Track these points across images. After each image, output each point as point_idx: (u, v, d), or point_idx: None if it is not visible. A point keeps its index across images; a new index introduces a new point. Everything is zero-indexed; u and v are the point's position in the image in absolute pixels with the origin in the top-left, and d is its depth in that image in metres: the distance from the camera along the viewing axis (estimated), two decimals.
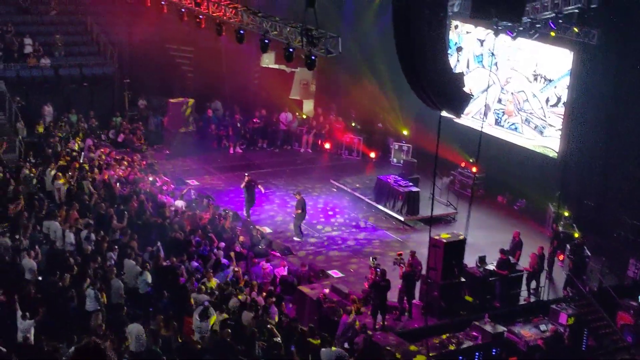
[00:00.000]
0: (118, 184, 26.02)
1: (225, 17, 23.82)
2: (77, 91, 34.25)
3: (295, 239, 25.93)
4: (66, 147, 28.99)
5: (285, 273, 22.56)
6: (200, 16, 24.75)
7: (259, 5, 28.22)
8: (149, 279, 19.69)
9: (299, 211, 25.93)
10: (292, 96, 37.73)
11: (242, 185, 27.11)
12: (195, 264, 21.52)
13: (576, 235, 25.14)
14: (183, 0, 25.30)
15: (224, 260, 21.98)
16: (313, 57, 20.19)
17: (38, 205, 23.37)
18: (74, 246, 21.16)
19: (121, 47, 35.35)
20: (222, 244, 23.00)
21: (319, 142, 35.48)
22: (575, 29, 25.32)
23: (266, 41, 22.25)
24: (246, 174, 27.39)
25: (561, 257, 24.84)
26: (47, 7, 36.22)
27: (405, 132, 34.44)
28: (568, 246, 24.47)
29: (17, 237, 21.03)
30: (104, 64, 35.56)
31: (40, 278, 19.39)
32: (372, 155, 34.67)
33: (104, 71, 35.34)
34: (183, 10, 25.52)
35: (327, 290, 21.32)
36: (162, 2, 26.38)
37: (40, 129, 31.06)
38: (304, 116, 37.08)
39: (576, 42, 26.30)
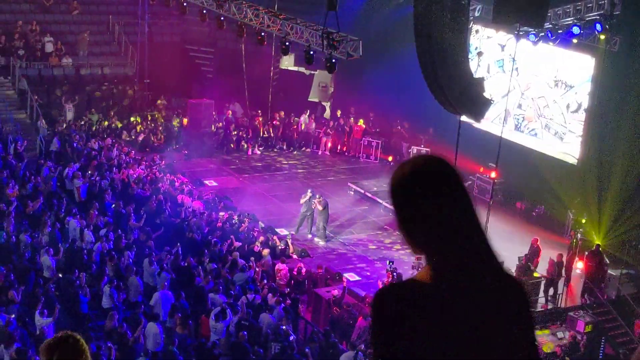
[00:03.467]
0: (137, 183, 26.13)
1: (246, 19, 23.90)
2: (97, 90, 34.43)
3: (320, 243, 25.89)
4: (86, 146, 29.15)
5: (303, 273, 22.56)
6: (222, 18, 24.84)
7: (280, 7, 28.26)
8: (167, 277, 19.77)
9: (322, 209, 25.84)
10: (311, 98, 37.76)
11: (303, 201, 26.56)
12: (213, 265, 21.57)
13: (595, 242, 25.01)
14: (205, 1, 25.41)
15: (240, 261, 22.01)
16: (334, 60, 20.23)
17: (57, 203, 23.52)
18: (92, 244, 21.28)
19: (142, 47, 35.50)
20: (238, 244, 23.02)
21: (337, 144, 35.48)
22: (602, 36, 25.12)
23: (287, 43, 22.31)
24: (309, 190, 27.02)
25: (579, 264, 24.71)
26: (69, 6, 36.44)
27: (422, 136, 34.37)
28: (586, 253, 24.36)
29: (36, 235, 21.18)
30: (124, 64, 35.74)
31: (60, 275, 19.51)
32: (390, 158, 34.62)
33: (124, 71, 35.52)
34: (205, 11, 25.63)
35: (336, 292, 21.24)
36: (184, 3, 26.48)
37: (61, 128, 31.22)
38: (323, 118, 37.10)
39: (598, 48, 26.17)
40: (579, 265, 24.73)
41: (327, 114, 37.97)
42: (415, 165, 2.86)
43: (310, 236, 26.31)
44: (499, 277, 2.94)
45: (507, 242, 25.49)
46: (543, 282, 23.32)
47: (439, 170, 2.85)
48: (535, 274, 23.09)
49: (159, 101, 35.69)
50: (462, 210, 2.87)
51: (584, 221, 26.34)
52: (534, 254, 23.81)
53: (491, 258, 2.93)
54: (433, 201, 2.81)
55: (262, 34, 23.28)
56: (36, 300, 18.14)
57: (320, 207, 25.92)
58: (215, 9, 24.76)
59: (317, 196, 26.38)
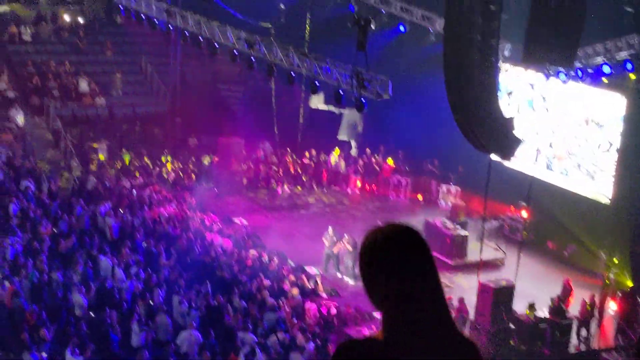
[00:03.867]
0: (167, 221, 26.30)
1: (276, 59, 24.13)
2: (129, 130, 34.83)
3: (350, 282, 25.85)
4: (118, 184, 29.43)
5: (333, 313, 22.48)
6: (252, 58, 25.10)
7: (310, 47, 28.53)
8: (196, 316, 19.80)
9: (351, 249, 25.86)
10: (341, 137, 37.89)
11: (325, 239, 26.57)
12: (241, 302, 21.58)
13: (628, 283, 24.71)
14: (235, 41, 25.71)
15: (270, 300, 21.99)
16: (363, 100, 20.33)
17: (90, 241, 23.72)
18: (123, 282, 21.41)
19: (174, 86, 35.92)
20: (267, 282, 23.03)
21: (367, 183, 35.51)
22: (632, 76, 25.05)
23: (316, 83, 22.47)
24: (330, 227, 26.96)
25: (612, 305, 24.41)
26: (103, 47, 37.02)
27: (452, 175, 34.31)
28: (619, 294, 24.06)
29: (68, 273, 21.34)
30: (156, 103, 36.17)
31: (91, 314, 19.61)
32: (420, 197, 34.57)
33: (156, 110, 35.93)
34: (235, 52, 25.91)
35: (367, 332, 21.14)
36: (215, 44, 26.79)
37: (94, 167, 31.57)
38: (352, 156, 37.17)
39: (629, 87, 26.05)
40: (611, 306, 24.42)
41: (354, 151, 38.03)
42: (387, 233, 3.16)
43: (339, 275, 26.26)
44: (453, 339, 3.14)
45: (539, 282, 25.31)
46: (575, 324, 23.03)
47: (408, 241, 3.13)
48: (568, 315, 22.82)
49: (190, 140, 36.00)
50: (424, 280, 3.11)
51: (616, 261, 26.05)
52: (566, 294, 23.57)
53: (448, 324, 3.14)
54: (397, 269, 3.10)
55: (292, 73, 23.47)
56: (67, 339, 18.25)
57: (350, 248, 25.91)
58: (245, 50, 25.03)
59: (345, 236, 26.36)
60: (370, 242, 3.17)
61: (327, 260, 26.34)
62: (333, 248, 26.27)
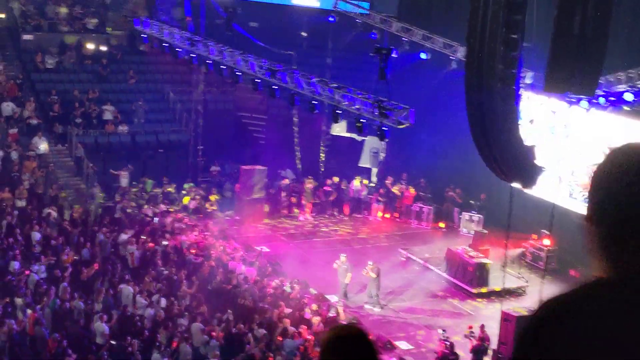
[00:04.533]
0: (189, 249, 26.36)
1: (297, 88, 24.25)
2: (152, 157, 35.00)
3: (375, 310, 25.76)
4: (140, 212, 29.55)
5: None
6: (274, 87, 25.23)
7: (332, 74, 28.65)
8: (218, 345, 19.78)
9: (375, 276, 25.79)
10: (362, 164, 37.89)
11: (336, 266, 26.42)
12: (262, 331, 21.53)
13: None
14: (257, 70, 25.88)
15: (291, 329, 21.93)
16: (384, 128, 20.36)
17: (111, 269, 23.81)
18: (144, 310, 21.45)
19: (196, 114, 36.12)
20: (289, 310, 22.99)
21: (388, 210, 35.44)
22: None
23: (337, 112, 22.54)
24: (343, 255, 26.90)
25: None
26: (126, 75, 37.34)
27: (472, 202, 34.19)
28: None
29: (89, 301, 21.42)
30: (179, 130, 36.38)
31: (113, 342, 19.64)
32: (442, 225, 34.44)
33: (179, 138, 36.13)
34: (258, 80, 26.07)
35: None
36: (237, 73, 26.97)
37: (116, 195, 31.71)
38: (374, 184, 37.14)
39: None
40: None
41: (375, 179, 38.00)
42: (338, 335, 3.24)
43: (365, 305, 26.12)
44: None
45: None
46: None
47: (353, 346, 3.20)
48: None
49: (212, 167, 36.13)
50: None
51: None
52: None
53: None
54: None
55: (314, 102, 23.57)
56: None
57: (373, 275, 25.84)
58: (267, 78, 25.17)
59: (370, 263, 26.30)
60: (325, 344, 3.27)
61: (344, 287, 26.24)
62: (344, 276, 26.11)
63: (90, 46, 37.27)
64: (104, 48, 37.76)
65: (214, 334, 20.51)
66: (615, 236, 2.51)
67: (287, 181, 35.50)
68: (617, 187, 2.50)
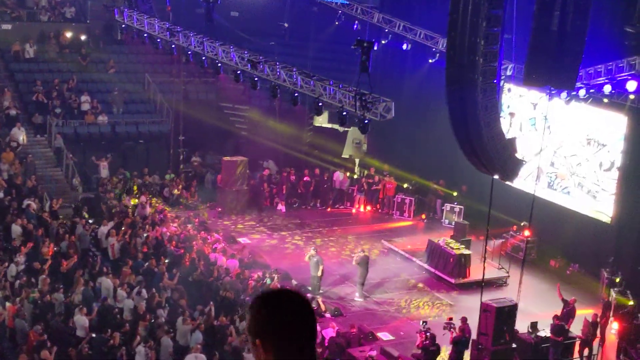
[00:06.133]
0: (170, 241, 26.30)
1: (279, 80, 24.21)
2: (132, 148, 34.85)
3: (357, 299, 25.96)
4: (120, 203, 29.45)
5: (334, 334, 22.45)
6: (256, 78, 25.17)
7: (314, 66, 28.61)
8: (200, 337, 19.79)
9: (360, 269, 25.93)
10: (345, 155, 37.89)
11: (307, 258, 26.45)
12: (244, 323, 21.54)
13: (630, 302, 24.67)
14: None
15: None
16: (366, 121, 20.38)
17: (91, 261, 23.74)
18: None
19: (177, 105, 35.95)
20: None
21: (371, 202, 35.48)
22: (632, 96, 25.20)
23: (320, 104, 22.55)
24: (312, 248, 26.97)
25: (615, 325, 24.36)
26: (105, 65, 37.11)
27: (455, 194, 34.31)
28: (622, 313, 24.02)
29: (69, 293, 21.35)
30: (160, 121, 36.21)
31: (93, 335, 19.60)
32: (423, 216, 34.55)
33: (159, 129, 35.96)
34: (239, 72, 26.01)
35: (374, 353, 21.11)
36: (219, 64, 26.88)
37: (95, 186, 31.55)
38: (356, 175, 37.15)
39: (630, 107, 26.16)
40: (614, 326, 24.38)
41: (357, 170, 38.00)
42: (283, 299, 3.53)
43: (358, 299, 26.21)
44: None
45: (541, 302, 25.30)
46: (578, 343, 22.99)
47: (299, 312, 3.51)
48: (570, 334, 22.77)
49: (193, 158, 36.03)
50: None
51: (617, 280, 26.03)
52: (569, 314, 23.52)
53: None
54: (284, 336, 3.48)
55: (296, 94, 23.55)
56: None
57: (354, 262, 26.03)
58: (249, 70, 25.11)
59: (360, 250, 26.53)
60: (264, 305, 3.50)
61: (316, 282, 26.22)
62: (316, 269, 26.10)
63: (69, 35, 37.01)
64: (83, 37, 37.52)
65: (195, 325, 20.50)
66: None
67: (268, 172, 35.45)
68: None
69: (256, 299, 3.52)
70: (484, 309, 21.19)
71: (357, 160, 37.83)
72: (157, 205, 30.56)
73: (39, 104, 33.57)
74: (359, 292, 26.15)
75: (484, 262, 23.36)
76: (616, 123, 27.44)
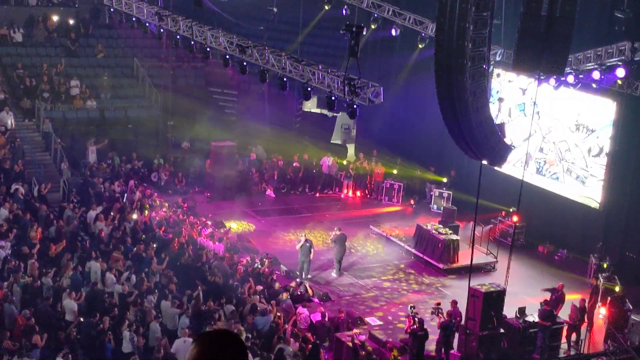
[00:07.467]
0: (159, 226, 26.27)
1: (268, 65, 24.14)
2: (121, 133, 34.73)
3: (333, 275, 26.20)
4: (109, 188, 29.36)
5: (320, 318, 22.45)
6: (244, 63, 25.09)
7: (303, 51, 28.52)
8: (187, 322, 19.79)
9: (337, 246, 26.09)
10: (334, 140, 37.90)
11: (298, 247, 26.41)
12: (231, 307, 21.53)
13: (617, 287, 24.78)
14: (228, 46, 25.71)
15: (261, 305, 21.98)
16: (355, 106, 20.35)
17: (80, 246, 23.68)
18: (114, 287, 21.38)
19: (166, 90, 35.84)
20: (260, 287, 23.06)
21: (359, 187, 35.49)
22: (621, 81, 25.25)
23: (308, 89, 22.49)
24: (303, 235, 26.89)
25: (602, 310, 24.48)
26: (94, 49, 36.94)
27: (444, 180, 34.34)
28: (609, 299, 24.13)
29: (58, 278, 21.30)
30: (148, 106, 36.10)
31: (81, 319, 19.57)
32: (412, 202, 34.57)
33: (148, 113, 35.85)
34: (228, 57, 25.91)
35: (363, 337, 21.16)
36: (207, 49, 26.77)
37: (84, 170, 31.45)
38: (345, 161, 37.16)
39: (619, 92, 26.22)
40: (601, 311, 24.49)
41: (350, 156, 38.02)
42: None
43: (334, 275, 26.37)
44: None
45: (529, 287, 25.40)
46: (565, 328, 23.08)
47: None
48: (558, 320, 22.86)
49: (182, 143, 35.93)
50: None
51: (605, 266, 26.13)
52: (558, 299, 23.61)
53: None
54: None
55: (284, 79, 23.49)
56: (58, 344, 18.25)
57: (330, 240, 26.38)
58: (238, 54, 25.01)
59: (336, 229, 26.61)
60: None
61: (301, 269, 26.22)
62: (307, 255, 26.19)
63: (57, 19, 36.80)
64: (71, 21, 37.33)
65: (183, 310, 20.51)
66: None
67: (254, 156, 35.40)
68: None
69: (195, 337, 3.76)
70: (472, 294, 21.24)
71: (348, 147, 37.86)
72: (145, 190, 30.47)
73: (26, 88, 33.41)
74: (336, 269, 26.31)
75: (472, 247, 23.42)
76: (605, 109, 27.51)
